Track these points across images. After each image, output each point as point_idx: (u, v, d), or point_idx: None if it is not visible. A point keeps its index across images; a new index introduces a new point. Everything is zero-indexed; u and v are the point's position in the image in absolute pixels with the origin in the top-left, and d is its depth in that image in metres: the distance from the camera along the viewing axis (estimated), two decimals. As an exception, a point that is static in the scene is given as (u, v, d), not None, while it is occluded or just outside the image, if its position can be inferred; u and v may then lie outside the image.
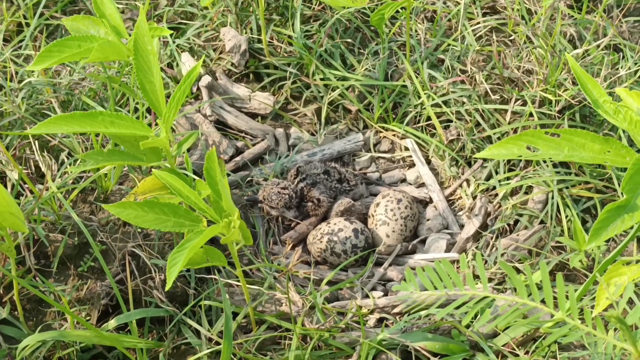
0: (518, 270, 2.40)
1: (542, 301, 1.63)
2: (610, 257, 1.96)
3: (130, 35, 2.17)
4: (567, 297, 1.58)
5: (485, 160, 2.66)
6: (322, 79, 2.84)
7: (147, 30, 2.01)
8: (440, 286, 1.70)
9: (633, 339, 1.36)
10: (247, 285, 2.31)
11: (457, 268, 2.50)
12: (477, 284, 2.42)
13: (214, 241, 2.37)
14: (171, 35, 2.93)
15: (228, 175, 2.68)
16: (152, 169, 2.01)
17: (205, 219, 1.94)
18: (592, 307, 2.28)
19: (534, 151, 1.81)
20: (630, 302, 2.30)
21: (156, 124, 2.32)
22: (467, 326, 2.20)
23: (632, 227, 2.36)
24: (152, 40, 2.03)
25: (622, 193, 1.72)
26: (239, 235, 1.88)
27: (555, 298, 1.68)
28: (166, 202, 1.91)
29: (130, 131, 2.02)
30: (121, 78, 2.41)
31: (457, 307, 1.65)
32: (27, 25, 2.97)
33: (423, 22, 2.93)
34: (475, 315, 2.14)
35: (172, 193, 1.94)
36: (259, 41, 2.90)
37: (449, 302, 1.66)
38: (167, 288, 1.81)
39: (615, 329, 1.77)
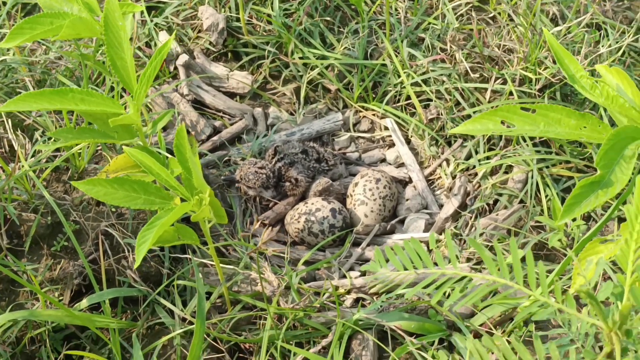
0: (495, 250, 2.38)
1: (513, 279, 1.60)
2: (588, 236, 1.94)
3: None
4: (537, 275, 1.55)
5: (465, 139, 2.64)
6: (301, 58, 2.81)
7: (118, 6, 1.98)
8: (409, 266, 1.67)
9: (603, 313, 1.34)
10: (223, 265, 2.29)
11: (437, 247, 2.48)
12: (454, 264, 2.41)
13: (189, 221, 2.34)
14: (149, 14, 2.90)
15: (205, 155, 2.66)
16: (124, 147, 1.99)
17: (178, 197, 1.91)
18: (569, 286, 2.27)
19: (509, 127, 1.79)
20: (609, 278, 2.29)
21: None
22: (439, 304, 2.17)
23: (607, 204, 2.35)
24: (122, 16, 2.00)
25: (595, 169, 1.69)
26: (209, 213, 1.86)
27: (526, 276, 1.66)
28: (136, 179, 1.88)
29: (101, 108, 1.99)
30: (95, 56, 2.37)
31: (426, 287, 1.63)
32: (4, 4, 2.93)
33: (404, 1, 2.90)
34: (449, 296, 2.12)
35: (144, 171, 1.92)
36: (238, 20, 2.87)
37: (418, 282, 1.63)
38: (135, 266, 1.79)
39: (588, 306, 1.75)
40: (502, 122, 1.79)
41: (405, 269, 1.71)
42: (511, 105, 1.78)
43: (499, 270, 1.62)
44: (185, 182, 1.90)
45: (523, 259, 2.37)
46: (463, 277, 1.64)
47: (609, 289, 1.51)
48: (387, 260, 1.80)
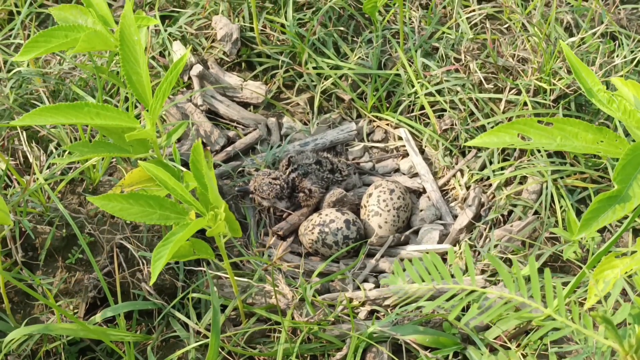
0: (511, 262, 2.37)
1: (531, 296, 1.60)
2: (603, 250, 1.93)
3: (118, 24, 2.14)
4: (555, 292, 1.55)
5: (479, 149, 2.63)
6: (314, 68, 2.80)
7: (133, 21, 1.98)
8: (428, 279, 1.67)
9: (619, 338, 1.33)
10: (237, 278, 2.29)
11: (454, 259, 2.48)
12: (468, 276, 2.40)
13: (203, 233, 2.34)
14: (163, 23, 2.90)
15: (219, 165, 2.66)
16: (139, 161, 1.99)
17: (193, 211, 1.91)
18: (584, 299, 2.26)
19: (526, 140, 1.78)
20: (625, 293, 2.28)
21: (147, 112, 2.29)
22: (457, 319, 2.17)
23: (625, 217, 2.34)
24: (138, 30, 2.00)
25: (611, 180, 1.69)
26: (225, 228, 1.86)
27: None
28: (151, 195, 1.88)
29: (116, 122, 1.99)
30: (109, 68, 2.37)
31: (446, 301, 1.63)
32: (19, 13, 2.94)
33: (418, 10, 2.89)
34: (464, 309, 2.12)
35: (159, 185, 1.92)
36: (251, 29, 2.87)
37: (437, 296, 1.63)
38: (151, 282, 1.79)
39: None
40: (519, 135, 1.79)
41: (423, 281, 1.71)
42: (528, 118, 1.77)
43: (514, 282, 1.62)
44: (201, 197, 1.90)
45: (540, 271, 2.37)
46: (481, 293, 1.64)
47: (626, 311, 1.51)
48: (404, 270, 1.80)
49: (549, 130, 1.77)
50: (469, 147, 2.64)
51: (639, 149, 1.71)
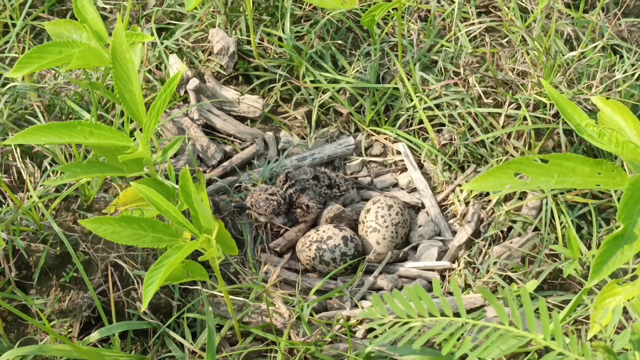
0: (511, 279, 2.35)
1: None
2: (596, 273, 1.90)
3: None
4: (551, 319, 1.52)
5: (478, 164, 2.61)
6: (312, 82, 2.78)
7: (124, 39, 1.96)
8: (412, 313, 1.64)
9: (620, 369, 1.31)
10: (233, 297, 2.26)
11: (449, 276, 2.45)
12: (468, 293, 2.38)
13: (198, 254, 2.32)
14: (159, 36, 2.88)
15: (215, 181, 2.63)
16: (131, 182, 1.96)
17: (187, 232, 1.89)
18: (584, 318, 2.23)
19: (523, 179, 1.76)
20: (630, 317, 2.25)
21: (141, 130, 2.27)
22: (451, 353, 2.14)
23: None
24: (130, 48, 1.98)
25: (618, 222, 1.66)
26: (217, 252, 1.83)
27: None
28: (143, 218, 1.86)
29: (110, 141, 1.97)
30: (104, 83, 2.35)
31: (434, 337, 1.61)
32: (14, 26, 2.91)
33: (416, 22, 2.87)
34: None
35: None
36: (249, 42, 2.84)
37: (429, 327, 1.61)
38: (142, 309, 1.76)
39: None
40: (516, 175, 1.76)
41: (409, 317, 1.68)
42: (524, 157, 1.75)
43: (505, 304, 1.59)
44: (194, 219, 1.88)
45: (540, 289, 2.34)
46: (473, 325, 1.62)
47: (626, 337, 1.48)
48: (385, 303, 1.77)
49: (546, 167, 1.75)
50: (468, 161, 2.61)
51: (638, 182, 1.68)
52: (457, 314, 2.31)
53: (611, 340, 1.67)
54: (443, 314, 1.66)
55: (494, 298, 1.54)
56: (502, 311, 1.53)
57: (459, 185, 2.62)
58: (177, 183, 2.11)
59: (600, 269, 1.66)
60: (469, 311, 2.32)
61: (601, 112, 1.86)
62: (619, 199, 2.39)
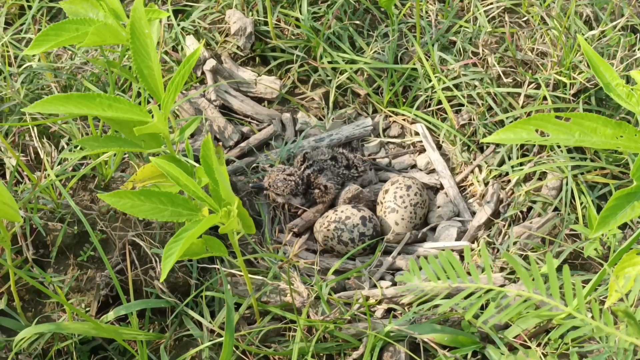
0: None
1: (550, 294, 1.56)
2: (625, 247, 1.88)
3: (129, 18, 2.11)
4: (574, 290, 1.51)
5: (497, 145, 2.59)
6: (330, 62, 2.76)
7: (144, 14, 1.94)
8: (444, 278, 1.63)
9: (643, 335, 1.29)
10: (251, 276, 2.25)
11: (471, 256, 2.43)
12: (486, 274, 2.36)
13: (216, 230, 2.31)
14: (176, 17, 2.86)
15: (233, 161, 2.62)
16: (150, 157, 1.95)
17: (206, 208, 1.87)
18: (606, 297, 2.21)
19: (543, 135, 1.74)
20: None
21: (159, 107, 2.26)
22: (475, 317, 2.13)
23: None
24: (148, 24, 1.97)
25: (633, 179, 1.64)
26: (237, 225, 1.82)
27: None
28: (163, 191, 1.84)
29: (128, 115, 1.95)
30: (121, 62, 2.34)
31: (463, 299, 1.59)
32: (30, 7, 2.90)
33: (434, 3, 2.85)
34: (482, 307, 2.07)
35: (171, 181, 1.88)
36: (266, 23, 2.83)
37: (454, 294, 1.59)
38: (161, 279, 1.75)
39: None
40: (536, 131, 1.74)
41: (439, 280, 1.67)
42: (545, 114, 1.73)
43: (533, 280, 1.58)
44: (213, 193, 1.86)
45: (559, 269, 2.32)
46: (498, 292, 1.60)
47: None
48: (421, 269, 1.76)
49: (567, 126, 1.73)
50: (487, 142, 2.59)
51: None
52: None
53: (634, 311, 1.65)
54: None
55: (518, 265, 1.52)
56: (527, 278, 1.51)
57: (478, 166, 2.60)
58: (195, 162, 2.10)
59: (607, 222, 1.65)
60: (488, 290, 2.30)
61: (638, 85, 1.83)
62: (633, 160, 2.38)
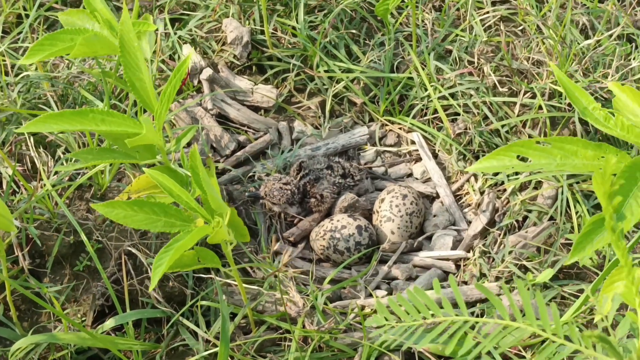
0: (527, 269, 2.33)
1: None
2: (616, 260, 1.88)
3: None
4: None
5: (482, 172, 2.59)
6: (326, 71, 2.77)
7: (132, 27, 1.94)
8: (416, 315, 1.63)
9: (620, 356, 1.29)
10: (247, 285, 2.25)
11: (464, 266, 2.44)
12: (483, 282, 2.36)
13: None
14: (173, 26, 2.87)
15: (229, 170, 2.62)
16: (144, 168, 1.96)
17: (200, 218, 1.88)
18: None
19: (525, 161, 1.75)
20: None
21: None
22: (453, 353, 2.13)
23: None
24: (136, 36, 1.97)
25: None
26: (227, 235, 1.82)
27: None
28: (156, 202, 1.85)
29: (122, 128, 1.96)
30: (117, 72, 2.34)
31: (436, 337, 1.59)
32: (27, 16, 2.91)
33: (431, 12, 2.85)
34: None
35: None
36: (262, 32, 2.83)
37: (430, 329, 1.60)
38: (150, 289, 1.75)
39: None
40: (518, 157, 1.75)
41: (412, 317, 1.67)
42: (526, 140, 1.75)
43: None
44: (206, 204, 1.87)
45: (555, 278, 2.32)
46: (474, 322, 1.60)
47: (627, 325, 1.46)
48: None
49: (548, 150, 1.74)
50: (483, 151, 2.60)
51: (637, 164, 1.66)
52: (470, 303, 2.30)
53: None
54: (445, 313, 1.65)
55: (491, 293, 1.53)
56: (501, 307, 1.52)
57: (474, 175, 2.60)
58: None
59: (583, 248, 1.65)
60: (483, 301, 2.30)
61: (616, 97, 1.84)
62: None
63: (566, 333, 1.43)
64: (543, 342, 2.14)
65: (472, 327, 1.59)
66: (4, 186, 2.37)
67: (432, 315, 1.61)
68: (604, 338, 1.22)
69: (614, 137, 2.22)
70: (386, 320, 1.64)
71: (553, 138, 1.72)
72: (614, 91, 1.85)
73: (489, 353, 2.13)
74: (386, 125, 2.76)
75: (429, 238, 2.56)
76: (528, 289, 1.62)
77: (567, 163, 1.72)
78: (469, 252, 2.47)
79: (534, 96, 2.58)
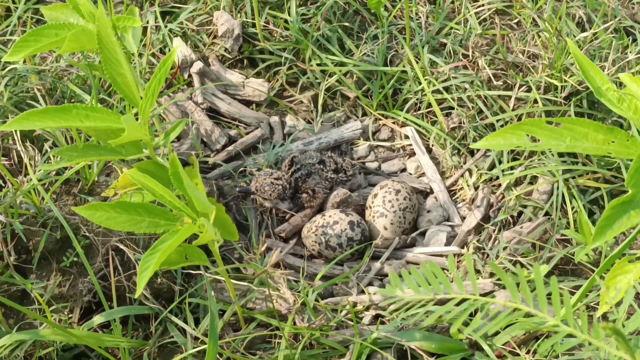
0: (521, 265, 2.29)
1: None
2: (616, 253, 1.85)
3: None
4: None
5: (487, 148, 2.55)
6: (318, 65, 2.73)
7: (108, 22, 1.90)
8: (427, 289, 1.59)
9: (631, 351, 1.25)
10: (237, 282, 2.22)
11: (459, 262, 2.40)
12: (477, 278, 2.33)
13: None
14: (163, 19, 2.83)
15: (220, 165, 2.59)
16: (134, 163, 1.92)
17: (185, 217, 1.84)
18: (597, 303, 2.18)
19: (534, 141, 1.71)
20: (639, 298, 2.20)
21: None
22: (459, 331, 2.10)
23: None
24: (112, 32, 1.93)
25: (627, 188, 1.61)
26: (213, 235, 1.78)
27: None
28: (140, 202, 1.81)
29: (107, 124, 1.91)
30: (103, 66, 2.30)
31: (447, 312, 1.55)
32: (16, 9, 2.87)
33: (425, 5, 2.81)
34: (471, 315, 2.04)
35: (153, 187, 1.85)
36: (254, 25, 2.79)
37: (439, 305, 1.56)
38: (136, 295, 1.71)
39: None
40: (527, 136, 1.71)
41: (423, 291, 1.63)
42: (536, 119, 1.70)
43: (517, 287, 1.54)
44: (190, 204, 1.83)
45: (549, 275, 2.29)
46: (484, 302, 1.56)
47: (638, 320, 1.43)
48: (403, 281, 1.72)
49: (558, 131, 1.70)
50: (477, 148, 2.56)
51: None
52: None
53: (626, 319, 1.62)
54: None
55: (503, 272, 1.48)
56: (513, 288, 1.48)
57: (469, 170, 2.56)
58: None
59: (604, 232, 1.62)
60: (482, 295, 2.27)
61: (627, 88, 1.80)
62: (627, 168, 2.34)
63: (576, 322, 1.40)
64: (537, 339, 2.11)
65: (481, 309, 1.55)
66: (-10, 181, 2.34)
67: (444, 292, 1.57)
68: (617, 330, 1.19)
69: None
70: (397, 290, 1.59)
71: (564, 119, 1.68)
72: (625, 82, 1.81)
73: (483, 350, 2.10)
74: (379, 119, 2.72)
75: (423, 234, 2.52)
76: (525, 281, 1.59)
77: (576, 145, 1.68)
78: (463, 247, 2.44)
79: (529, 90, 2.54)
